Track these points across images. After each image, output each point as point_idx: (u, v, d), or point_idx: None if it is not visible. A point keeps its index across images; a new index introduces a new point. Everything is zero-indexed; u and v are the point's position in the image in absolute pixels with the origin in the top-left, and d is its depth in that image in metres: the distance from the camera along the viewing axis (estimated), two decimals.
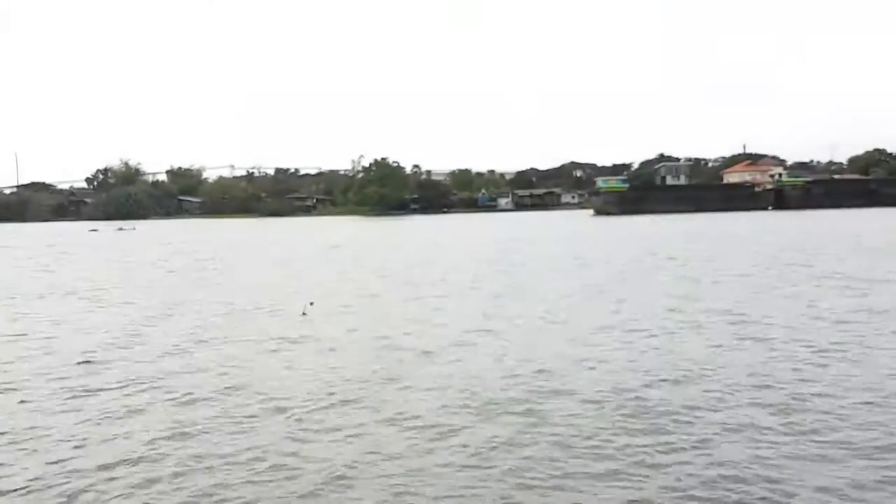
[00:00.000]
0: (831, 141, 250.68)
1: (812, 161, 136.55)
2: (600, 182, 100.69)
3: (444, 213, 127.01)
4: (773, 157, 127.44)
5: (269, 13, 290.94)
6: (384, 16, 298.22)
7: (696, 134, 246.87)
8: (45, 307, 16.45)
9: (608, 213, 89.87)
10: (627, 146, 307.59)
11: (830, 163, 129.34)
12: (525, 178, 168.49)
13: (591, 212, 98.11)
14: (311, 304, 14.98)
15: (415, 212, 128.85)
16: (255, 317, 14.36)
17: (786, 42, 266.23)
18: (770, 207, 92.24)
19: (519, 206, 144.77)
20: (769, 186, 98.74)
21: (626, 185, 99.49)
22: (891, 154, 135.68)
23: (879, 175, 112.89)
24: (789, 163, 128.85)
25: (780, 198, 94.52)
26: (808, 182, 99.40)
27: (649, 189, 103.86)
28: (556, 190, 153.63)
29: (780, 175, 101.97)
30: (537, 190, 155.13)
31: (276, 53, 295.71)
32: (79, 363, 10.24)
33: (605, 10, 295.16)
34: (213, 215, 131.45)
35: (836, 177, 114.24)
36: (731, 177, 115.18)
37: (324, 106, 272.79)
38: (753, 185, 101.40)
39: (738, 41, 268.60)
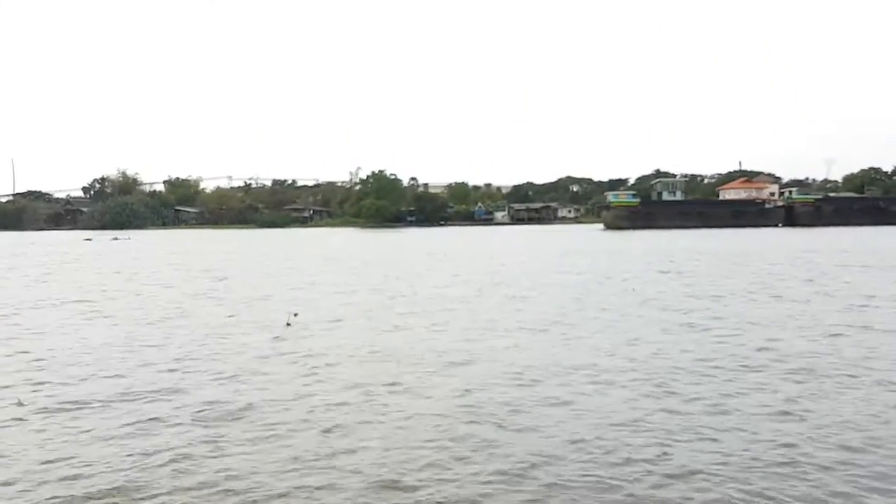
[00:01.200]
0: (827, 157, 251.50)
1: (807, 178, 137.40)
2: (611, 196, 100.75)
3: (441, 225, 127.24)
4: (769, 175, 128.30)
5: (267, 25, 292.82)
6: (382, 29, 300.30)
7: (692, 150, 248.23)
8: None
9: (619, 228, 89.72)
10: (624, 162, 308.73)
11: (825, 181, 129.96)
12: (522, 192, 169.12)
13: (601, 226, 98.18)
14: (296, 315, 14.97)
15: (411, 224, 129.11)
16: (234, 329, 14.32)
17: (781, 60, 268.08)
18: (780, 224, 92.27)
19: (515, 219, 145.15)
20: (779, 203, 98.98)
21: (637, 201, 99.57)
22: (885, 172, 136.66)
23: (875, 193, 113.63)
24: (785, 180, 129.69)
25: (790, 215, 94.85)
26: (817, 199, 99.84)
27: (660, 204, 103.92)
28: (553, 204, 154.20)
29: (791, 192, 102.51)
30: (534, 204, 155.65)
31: (275, 65, 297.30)
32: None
33: (602, 27, 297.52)
34: (209, 225, 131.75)
35: (844, 195, 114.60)
36: (727, 193, 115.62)
37: (322, 118, 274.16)
38: (763, 201, 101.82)
39: (735, 58, 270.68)
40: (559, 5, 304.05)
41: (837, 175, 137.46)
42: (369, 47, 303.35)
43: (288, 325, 14.40)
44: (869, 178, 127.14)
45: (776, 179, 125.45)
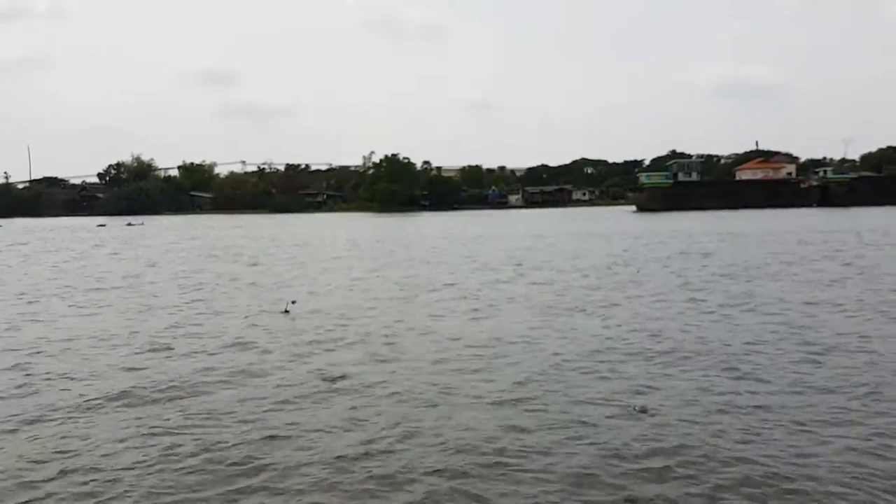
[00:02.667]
0: (844, 137, 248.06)
1: (825, 158, 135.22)
2: (644, 178, 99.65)
3: (455, 209, 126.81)
4: (786, 154, 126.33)
5: (281, 7, 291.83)
6: (393, 10, 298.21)
7: (708, 130, 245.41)
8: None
9: (652, 210, 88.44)
10: (638, 143, 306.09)
11: (843, 160, 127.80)
12: (536, 175, 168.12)
13: (633, 208, 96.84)
14: (293, 302, 14.85)
15: (425, 208, 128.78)
16: (228, 315, 14.21)
17: (794, 38, 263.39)
18: (814, 204, 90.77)
19: (529, 202, 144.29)
20: (814, 183, 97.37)
21: (671, 182, 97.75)
22: None
23: (893, 172, 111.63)
24: (802, 160, 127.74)
25: (825, 195, 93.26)
26: (853, 179, 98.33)
27: (694, 185, 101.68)
28: (568, 187, 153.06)
29: (826, 171, 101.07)
30: (548, 187, 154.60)
31: (289, 50, 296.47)
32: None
33: (614, 7, 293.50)
34: (224, 211, 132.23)
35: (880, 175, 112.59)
36: (744, 174, 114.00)
37: (335, 102, 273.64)
38: (798, 181, 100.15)
39: (749, 36, 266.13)
40: None
41: (855, 154, 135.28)
42: (382, 29, 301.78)
43: (286, 311, 14.30)
44: (887, 157, 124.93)
45: (794, 159, 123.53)
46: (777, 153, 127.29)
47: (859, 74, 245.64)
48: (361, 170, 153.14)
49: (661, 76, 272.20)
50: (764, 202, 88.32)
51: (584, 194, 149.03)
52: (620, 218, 69.49)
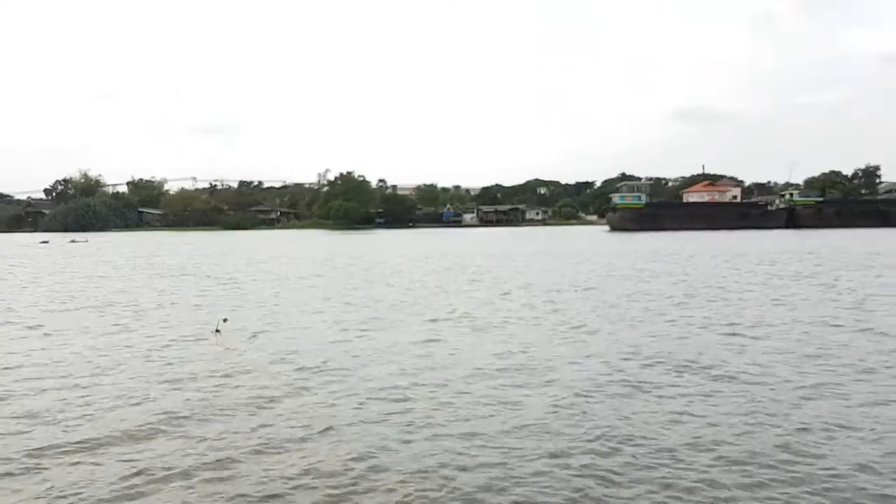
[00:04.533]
0: (789, 161, 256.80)
1: (769, 182, 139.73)
2: (617, 198, 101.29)
3: (411, 227, 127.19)
4: (731, 178, 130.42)
5: (236, 24, 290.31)
6: (350, 28, 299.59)
7: (657, 155, 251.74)
8: None
9: (625, 229, 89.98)
10: (590, 165, 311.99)
11: (787, 184, 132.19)
12: (490, 194, 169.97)
13: (607, 228, 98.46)
14: (225, 320, 14.85)
15: (380, 226, 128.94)
16: (149, 336, 14.15)
17: (742, 67, 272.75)
18: (782, 226, 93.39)
19: (484, 221, 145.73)
20: (781, 206, 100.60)
21: (644, 202, 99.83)
22: (846, 176, 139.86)
23: (835, 196, 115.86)
24: (747, 183, 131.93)
25: (792, 216, 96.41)
26: (819, 201, 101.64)
27: (666, 206, 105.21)
28: (521, 206, 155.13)
29: (792, 194, 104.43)
30: (502, 206, 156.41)
31: (241, 65, 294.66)
32: None
33: (566, 32, 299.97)
34: (174, 228, 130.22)
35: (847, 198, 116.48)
36: (691, 196, 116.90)
37: (290, 119, 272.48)
38: (766, 203, 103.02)
39: (698, 65, 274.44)
40: (530, 12, 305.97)
41: (798, 178, 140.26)
42: (338, 48, 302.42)
43: (217, 331, 14.29)
44: (830, 182, 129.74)
45: (738, 183, 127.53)
46: (723, 177, 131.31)
47: (802, 101, 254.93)
48: (316, 187, 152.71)
49: (612, 101, 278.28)
50: (733, 224, 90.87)
51: (537, 214, 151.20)
52: (595, 238, 70.81)
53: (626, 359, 10.95)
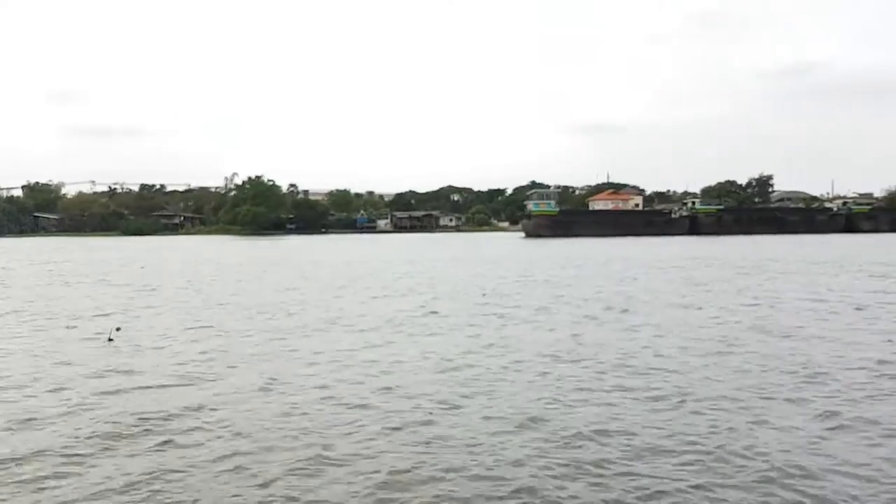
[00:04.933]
0: (688, 171, 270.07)
1: (669, 191, 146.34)
2: (532, 206, 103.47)
3: (323, 233, 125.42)
4: (634, 187, 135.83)
5: (134, 20, 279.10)
6: (255, 29, 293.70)
7: (564, 164, 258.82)
8: None
9: (540, 236, 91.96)
10: (501, 173, 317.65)
11: (686, 192, 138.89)
12: (404, 201, 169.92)
13: (523, 234, 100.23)
14: (118, 329, 14.22)
15: (291, 232, 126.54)
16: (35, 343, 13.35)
17: (644, 80, 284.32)
18: (685, 233, 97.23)
19: (398, 227, 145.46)
20: (684, 213, 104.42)
21: (557, 210, 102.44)
22: (740, 185, 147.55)
23: (730, 204, 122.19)
24: (648, 192, 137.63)
25: (695, 224, 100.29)
26: (719, 210, 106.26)
27: (578, 213, 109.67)
28: (435, 213, 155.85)
29: (694, 203, 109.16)
30: (416, 212, 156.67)
31: (143, 63, 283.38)
32: None
33: (476, 45, 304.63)
34: (71, 233, 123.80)
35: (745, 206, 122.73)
36: (597, 204, 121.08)
37: (196, 120, 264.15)
38: (670, 212, 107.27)
39: (603, 77, 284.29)
40: (439, 23, 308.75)
41: (696, 187, 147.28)
42: (246, 47, 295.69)
43: (110, 339, 13.64)
44: (725, 191, 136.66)
45: (640, 191, 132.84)
46: (626, 185, 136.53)
47: (700, 114, 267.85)
48: (223, 192, 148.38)
49: (521, 112, 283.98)
50: (640, 230, 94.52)
51: (451, 220, 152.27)
52: (514, 243, 72.04)
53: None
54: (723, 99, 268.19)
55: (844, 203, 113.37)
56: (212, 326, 15.27)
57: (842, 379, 9.63)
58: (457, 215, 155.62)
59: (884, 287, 22.66)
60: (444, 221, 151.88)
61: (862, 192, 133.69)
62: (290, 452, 6.98)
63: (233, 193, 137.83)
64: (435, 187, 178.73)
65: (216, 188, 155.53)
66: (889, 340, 12.54)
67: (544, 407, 8.46)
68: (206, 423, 7.99)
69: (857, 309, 16.92)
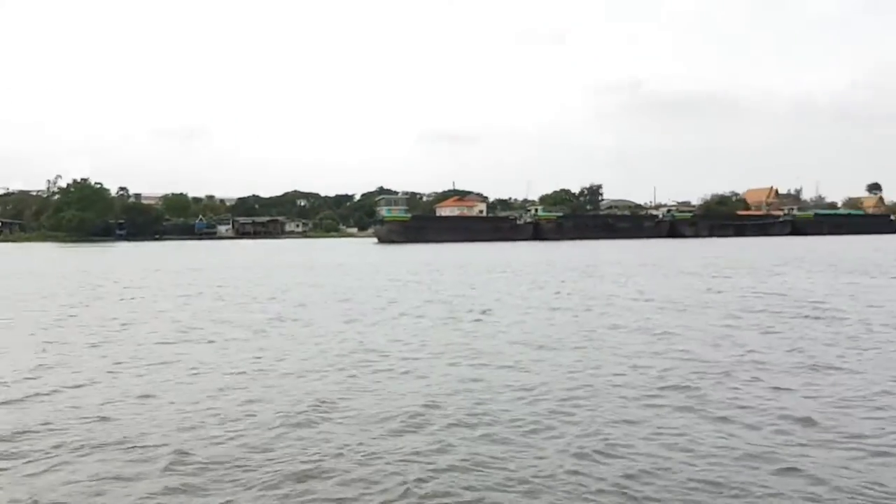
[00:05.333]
0: (528, 179, 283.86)
1: (510, 198, 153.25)
2: (384, 211, 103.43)
3: (157, 239, 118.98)
4: (478, 194, 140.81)
5: None
6: (84, 23, 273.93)
7: (412, 171, 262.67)
8: None
9: (392, 242, 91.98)
10: (348, 178, 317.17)
11: (526, 200, 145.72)
12: (247, 205, 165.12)
13: (375, 240, 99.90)
14: None
15: (121, 238, 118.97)
16: None
17: (486, 92, 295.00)
18: (529, 238, 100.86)
19: (241, 233, 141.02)
20: (528, 220, 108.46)
21: (409, 216, 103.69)
22: (574, 193, 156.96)
23: (565, 211, 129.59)
24: (491, 199, 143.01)
25: (538, 230, 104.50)
26: (560, 217, 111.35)
27: (431, 219, 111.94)
28: (281, 218, 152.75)
29: (537, 210, 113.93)
30: (260, 217, 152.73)
31: None
32: None
33: (325, 43, 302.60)
34: None
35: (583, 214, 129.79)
36: (443, 210, 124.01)
37: (12, 116, 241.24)
38: (515, 218, 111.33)
39: (442, 87, 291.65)
40: (293, 22, 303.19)
41: (535, 195, 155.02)
42: (62, 40, 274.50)
43: None
44: (560, 199, 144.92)
45: (484, 198, 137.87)
46: (470, 193, 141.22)
47: (535, 124, 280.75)
48: (46, 195, 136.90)
49: (370, 117, 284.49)
50: (488, 236, 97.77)
51: (298, 226, 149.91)
52: (370, 249, 71.74)
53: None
54: (556, 110, 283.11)
55: (668, 211, 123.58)
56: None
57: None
58: (304, 221, 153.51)
59: (691, 284, 24.66)
60: (290, 227, 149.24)
61: (681, 200, 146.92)
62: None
63: (56, 197, 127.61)
64: (280, 192, 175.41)
65: (38, 192, 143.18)
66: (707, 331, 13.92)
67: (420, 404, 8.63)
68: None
69: (680, 311, 17.99)
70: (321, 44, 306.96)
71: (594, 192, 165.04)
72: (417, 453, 6.87)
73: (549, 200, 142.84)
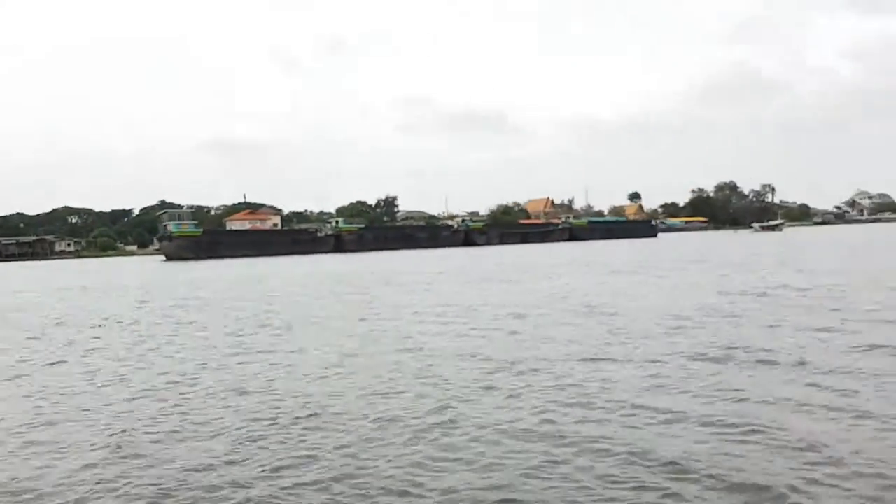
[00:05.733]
0: (319, 193, 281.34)
1: (306, 210, 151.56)
2: (172, 226, 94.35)
3: None
4: (271, 207, 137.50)
5: None
6: None
7: (199, 183, 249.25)
8: None
9: (182, 258, 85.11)
10: (124, 192, 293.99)
11: (322, 212, 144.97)
12: (10, 224, 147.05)
13: (163, 258, 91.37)
14: None
15: None
16: None
17: (277, 102, 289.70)
18: (331, 250, 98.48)
19: (4, 256, 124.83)
20: (329, 232, 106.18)
21: (200, 230, 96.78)
22: (370, 205, 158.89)
23: (364, 223, 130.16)
24: (286, 212, 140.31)
25: (339, 242, 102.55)
26: (361, 228, 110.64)
27: (225, 234, 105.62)
28: (50, 237, 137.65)
29: (338, 221, 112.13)
30: (25, 237, 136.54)
31: None
32: None
33: (95, 46, 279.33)
34: None
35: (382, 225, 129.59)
36: (234, 224, 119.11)
37: None
38: (317, 230, 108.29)
39: (230, 98, 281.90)
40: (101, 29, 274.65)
41: (331, 207, 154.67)
42: None
43: None
44: (357, 210, 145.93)
45: (278, 211, 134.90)
46: (263, 205, 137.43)
47: (330, 137, 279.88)
48: None
49: (144, 129, 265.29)
50: (288, 249, 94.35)
51: (70, 245, 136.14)
52: (145, 269, 65.52)
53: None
54: (350, 123, 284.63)
55: (463, 220, 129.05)
56: None
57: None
58: (76, 239, 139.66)
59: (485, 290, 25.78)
60: (60, 247, 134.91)
61: (470, 210, 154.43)
62: None
63: None
64: (48, 209, 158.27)
65: None
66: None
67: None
68: None
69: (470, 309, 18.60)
70: (82, 39, 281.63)
71: (390, 203, 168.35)
72: None
73: (347, 212, 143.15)
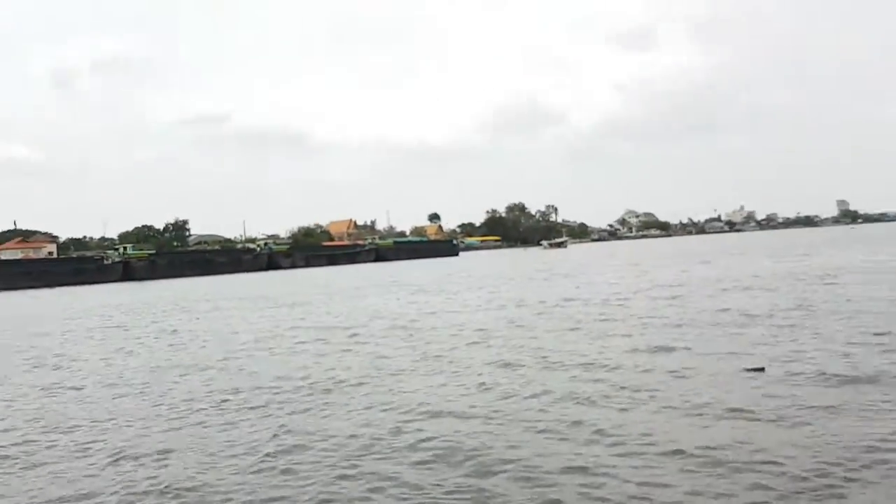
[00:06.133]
0: (104, 217, 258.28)
1: (85, 237, 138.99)
2: None
3: None
4: (46, 234, 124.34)
5: None
6: None
7: None
8: None
9: None
10: None
11: (103, 238, 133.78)
12: None
13: None
14: None
15: None
16: None
17: (50, 121, 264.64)
18: (119, 279, 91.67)
19: None
20: (117, 259, 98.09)
21: None
22: (158, 230, 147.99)
23: (150, 248, 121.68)
24: (63, 239, 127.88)
25: (128, 269, 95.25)
26: (152, 254, 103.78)
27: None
28: None
29: (126, 248, 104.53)
30: None
31: None
32: None
33: None
34: None
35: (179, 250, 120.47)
36: (4, 254, 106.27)
37: None
38: (102, 258, 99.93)
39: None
40: None
41: (113, 232, 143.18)
42: None
43: None
44: (143, 235, 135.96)
45: (54, 238, 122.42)
46: (36, 232, 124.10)
47: (110, 161, 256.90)
48: None
49: None
50: (70, 280, 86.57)
51: None
52: None
53: None
54: (136, 144, 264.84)
55: (266, 244, 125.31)
56: None
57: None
58: None
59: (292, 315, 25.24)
60: None
61: (270, 233, 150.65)
62: None
63: None
64: None
65: None
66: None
67: None
68: None
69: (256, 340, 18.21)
70: None
71: (180, 227, 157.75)
72: None
73: (131, 238, 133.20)
